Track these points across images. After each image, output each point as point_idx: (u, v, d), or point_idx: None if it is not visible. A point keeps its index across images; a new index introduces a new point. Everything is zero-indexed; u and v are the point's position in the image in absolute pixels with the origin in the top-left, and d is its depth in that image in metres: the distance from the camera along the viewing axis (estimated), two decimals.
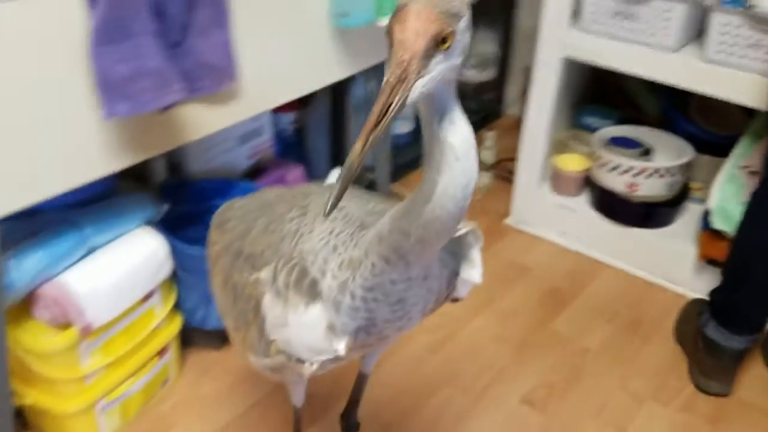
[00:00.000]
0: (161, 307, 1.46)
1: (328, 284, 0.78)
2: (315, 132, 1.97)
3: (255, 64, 1.35)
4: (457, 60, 0.62)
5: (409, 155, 2.26)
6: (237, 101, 1.36)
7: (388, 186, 1.96)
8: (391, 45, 0.59)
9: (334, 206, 0.60)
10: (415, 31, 0.58)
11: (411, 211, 0.69)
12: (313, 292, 0.79)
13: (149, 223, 1.44)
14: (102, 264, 1.34)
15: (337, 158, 1.93)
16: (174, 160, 1.71)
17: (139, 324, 1.42)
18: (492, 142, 2.51)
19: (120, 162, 1.21)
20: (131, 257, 1.37)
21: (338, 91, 1.89)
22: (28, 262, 1.24)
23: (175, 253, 1.45)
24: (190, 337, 1.62)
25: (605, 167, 1.86)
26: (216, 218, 1.04)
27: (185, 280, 1.50)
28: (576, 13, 1.77)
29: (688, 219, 1.91)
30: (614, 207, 1.90)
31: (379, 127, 0.59)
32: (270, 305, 0.82)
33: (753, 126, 1.77)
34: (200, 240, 1.17)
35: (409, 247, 0.71)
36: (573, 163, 1.99)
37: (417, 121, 2.38)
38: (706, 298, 1.60)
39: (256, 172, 1.85)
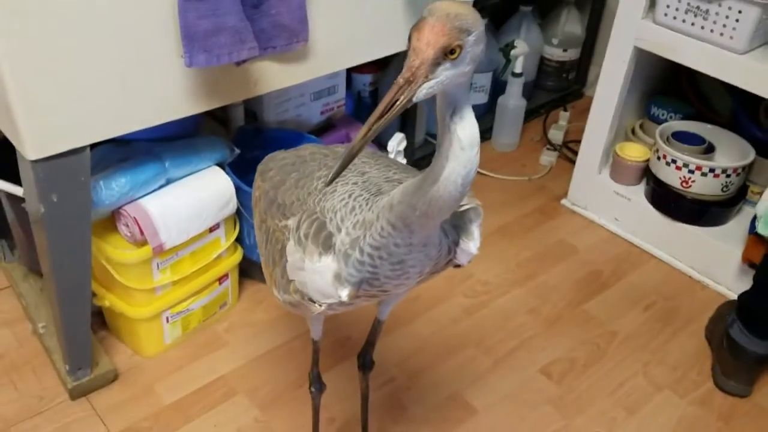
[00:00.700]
0: (225, 239, 1.58)
1: (341, 239, 0.86)
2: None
3: (328, 26, 1.40)
4: (466, 67, 0.70)
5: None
6: (308, 60, 1.42)
7: None
8: (408, 49, 0.69)
9: (332, 180, 0.72)
10: (427, 41, 0.67)
11: (420, 188, 0.78)
12: (327, 245, 0.87)
13: (221, 164, 1.55)
14: (177, 194, 1.45)
15: (404, 123, 1.98)
16: (251, 108, 1.82)
17: (204, 251, 1.54)
18: (565, 122, 2.52)
19: (199, 105, 1.30)
20: (202, 192, 1.48)
21: None
22: (115, 185, 1.36)
23: (241, 193, 1.55)
24: (250, 270, 1.74)
25: (663, 160, 1.87)
26: (261, 166, 1.12)
27: (248, 219, 1.61)
28: (652, 4, 1.76)
29: (741, 221, 1.88)
30: (668, 201, 1.90)
31: (383, 120, 0.68)
32: (292, 250, 0.92)
33: None
34: None
35: (414, 218, 0.80)
36: (634, 152, 2.00)
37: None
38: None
39: (326, 128, 1.94)
